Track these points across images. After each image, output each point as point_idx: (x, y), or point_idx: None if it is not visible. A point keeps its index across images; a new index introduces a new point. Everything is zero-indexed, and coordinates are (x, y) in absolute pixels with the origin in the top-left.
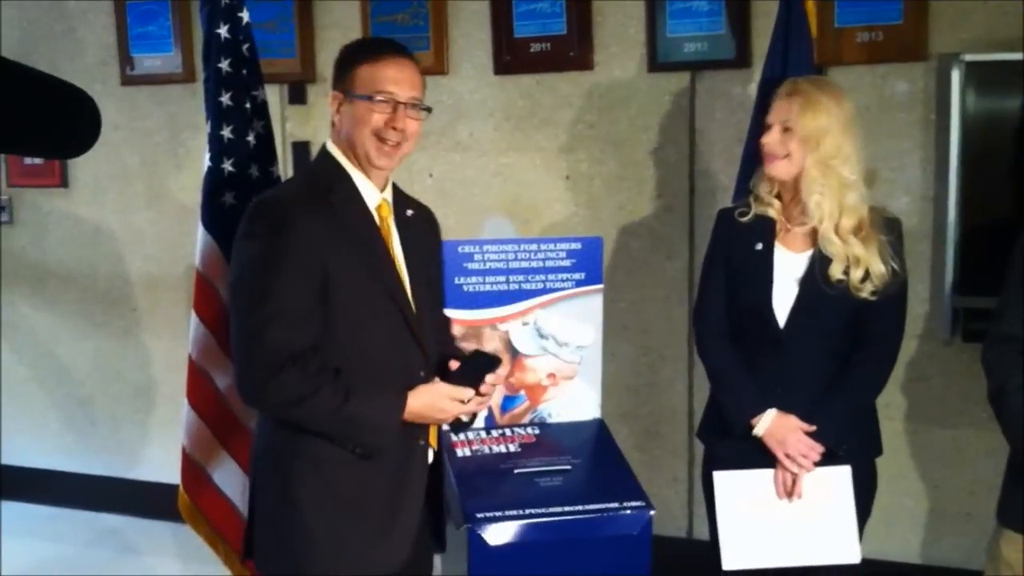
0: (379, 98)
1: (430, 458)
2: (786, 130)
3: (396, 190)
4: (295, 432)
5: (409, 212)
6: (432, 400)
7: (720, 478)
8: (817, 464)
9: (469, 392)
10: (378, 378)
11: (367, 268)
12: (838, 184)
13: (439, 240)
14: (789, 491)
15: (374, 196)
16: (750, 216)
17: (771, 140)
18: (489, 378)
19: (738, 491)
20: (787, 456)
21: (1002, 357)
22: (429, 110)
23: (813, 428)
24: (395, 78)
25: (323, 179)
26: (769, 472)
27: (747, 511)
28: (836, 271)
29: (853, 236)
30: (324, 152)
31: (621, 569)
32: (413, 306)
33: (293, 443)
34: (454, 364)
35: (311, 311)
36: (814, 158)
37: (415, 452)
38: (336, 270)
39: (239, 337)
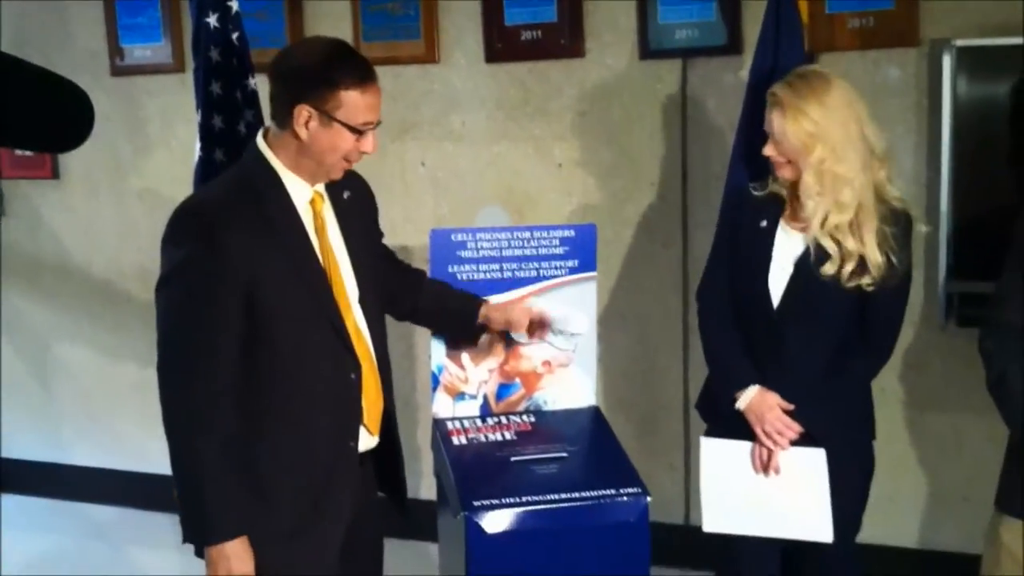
0: (368, 130)
1: (369, 446)
2: (778, 141)
3: None
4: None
5: (346, 194)
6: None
7: (705, 444)
8: (797, 444)
9: None
10: (307, 382)
11: (292, 271)
12: (833, 184)
13: (374, 205)
14: (765, 465)
15: (305, 192)
16: (764, 193)
17: (770, 152)
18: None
19: (721, 458)
20: (764, 432)
21: (1002, 344)
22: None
23: (791, 407)
24: (376, 106)
25: (252, 182)
26: (751, 444)
27: (729, 478)
28: (828, 269)
29: (847, 229)
30: (255, 151)
31: (619, 556)
32: (351, 295)
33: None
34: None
35: (237, 330)
36: (808, 164)
37: (343, 455)
38: (263, 277)
39: (174, 354)
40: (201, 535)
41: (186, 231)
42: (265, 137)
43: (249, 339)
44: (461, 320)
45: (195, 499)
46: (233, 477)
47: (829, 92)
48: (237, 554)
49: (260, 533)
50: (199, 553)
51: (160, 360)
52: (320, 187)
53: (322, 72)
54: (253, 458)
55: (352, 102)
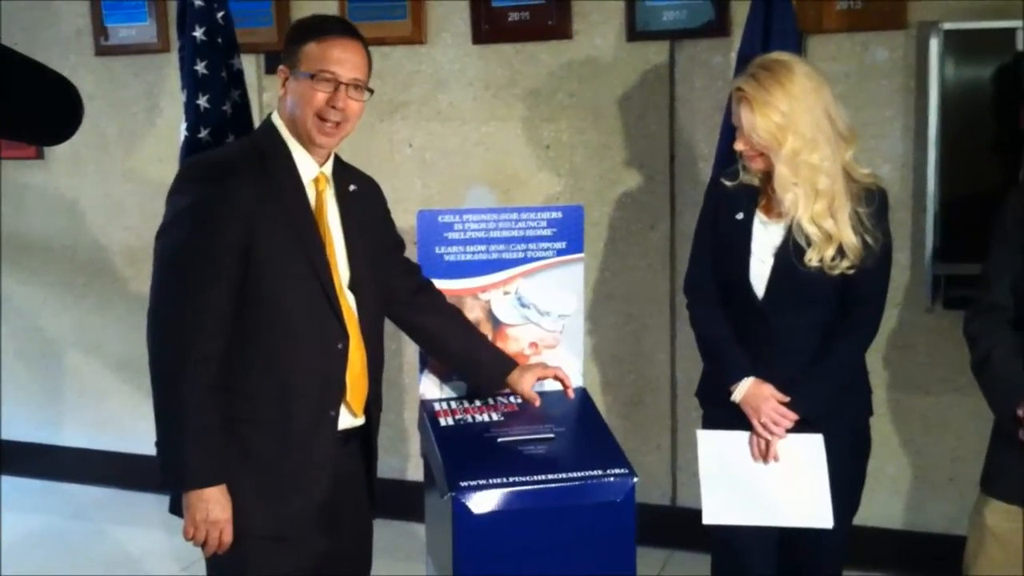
0: (322, 77)
1: (348, 424)
2: (748, 136)
3: (339, 164)
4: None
5: (352, 187)
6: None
7: (703, 436)
8: (793, 431)
9: None
10: (294, 343)
11: (290, 234)
12: (809, 172)
13: (385, 209)
14: (764, 454)
15: (311, 169)
16: (735, 183)
17: (740, 147)
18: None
19: (719, 450)
20: (760, 424)
21: (987, 326)
22: (371, 91)
23: (787, 399)
24: (339, 58)
25: (260, 147)
26: (748, 434)
27: (727, 470)
28: (812, 258)
29: (827, 215)
30: (267, 123)
31: (606, 536)
32: (342, 278)
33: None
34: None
35: (231, 280)
36: (781, 156)
37: (323, 423)
38: (260, 229)
39: (166, 297)
40: (181, 480)
41: (191, 180)
42: (280, 113)
43: (241, 292)
44: (487, 377)
45: (176, 444)
46: (216, 425)
47: (793, 80)
48: (216, 499)
49: (236, 489)
50: (174, 510)
51: (152, 304)
52: (327, 170)
53: (293, 35)
54: (235, 414)
55: (310, 54)
